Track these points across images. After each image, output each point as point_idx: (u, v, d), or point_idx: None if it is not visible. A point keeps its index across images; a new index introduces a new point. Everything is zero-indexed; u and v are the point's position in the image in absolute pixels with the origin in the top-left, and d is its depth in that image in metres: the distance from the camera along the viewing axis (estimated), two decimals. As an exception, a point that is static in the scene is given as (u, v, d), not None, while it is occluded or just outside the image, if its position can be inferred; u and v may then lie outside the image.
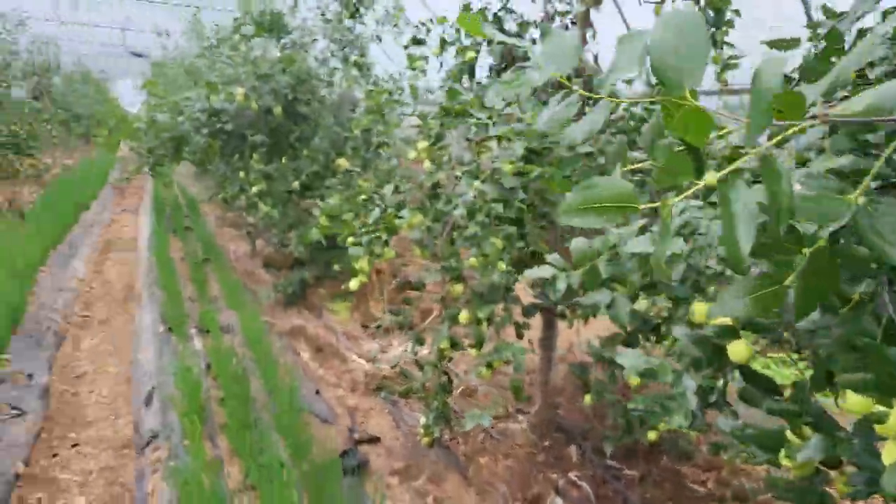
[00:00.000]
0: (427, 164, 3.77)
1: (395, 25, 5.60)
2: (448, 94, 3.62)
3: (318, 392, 4.05)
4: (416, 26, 3.63)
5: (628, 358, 1.17)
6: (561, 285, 1.22)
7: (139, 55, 27.40)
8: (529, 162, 2.16)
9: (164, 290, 5.59)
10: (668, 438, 3.19)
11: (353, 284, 2.95)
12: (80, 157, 17.75)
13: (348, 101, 6.04)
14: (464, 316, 2.80)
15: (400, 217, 2.96)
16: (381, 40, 6.06)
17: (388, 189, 3.06)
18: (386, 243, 2.95)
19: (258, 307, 5.46)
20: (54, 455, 3.40)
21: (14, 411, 3.50)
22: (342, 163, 5.61)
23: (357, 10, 5.40)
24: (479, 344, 2.75)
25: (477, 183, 2.64)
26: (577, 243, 1.24)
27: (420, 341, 3.25)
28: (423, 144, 3.79)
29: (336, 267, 6.02)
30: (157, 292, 5.85)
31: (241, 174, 5.90)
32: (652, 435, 2.85)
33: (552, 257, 1.27)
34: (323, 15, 5.57)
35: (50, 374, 4.27)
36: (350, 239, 5.63)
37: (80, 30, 23.13)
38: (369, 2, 5.35)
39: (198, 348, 4.44)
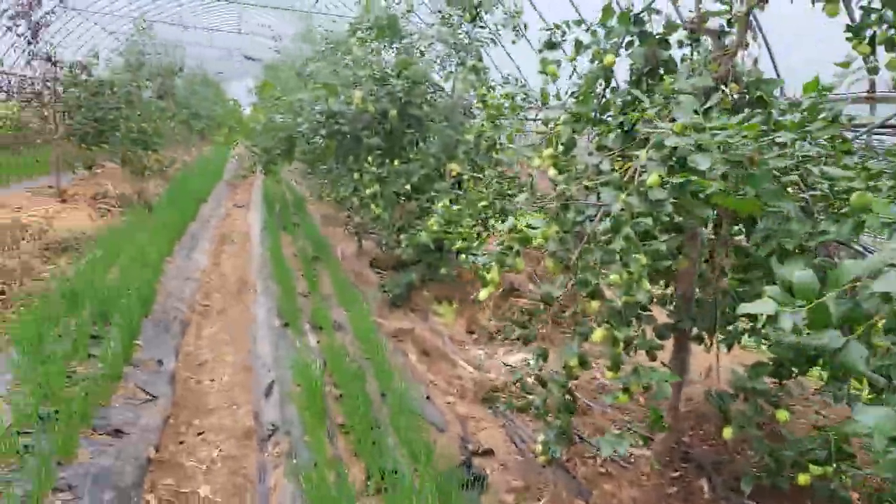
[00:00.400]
0: (552, 172, 3.64)
1: (514, 28, 5.50)
2: (581, 100, 3.49)
3: (428, 397, 4.00)
4: (550, 29, 3.51)
5: (874, 417, 0.99)
6: (786, 324, 1.06)
7: (252, 59, 28.91)
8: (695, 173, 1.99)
9: (279, 286, 5.76)
10: (818, 480, 2.90)
11: (483, 294, 2.87)
12: (198, 154, 18.87)
13: (461, 106, 6.01)
14: (598, 334, 2.65)
15: (533, 227, 2.85)
16: (496, 44, 5.99)
17: (522, 197, 2.95)
18: (517, 254, 2.85)
19: (367, 306, 5.51)
20: (181, 441, 3.53)
21: (147, 396, 3.67)
22: (454, 167, 5.58)
23: (478, 14, 5.35)
24: (615, 366, 2.59)
25: (624, 195, 2.50)
26: (801, 276, 1.08)
27: (544, 356, 3.13)
28: (548, 151, 3.66)
29: (443, 270, 6.00)
30: (270, 286, 6.05)
31: (356, 175, 6.00)
32: (803, 478, 2.60)
33: (772, 289, 1.11)
34: (443, 19, 5.56)
35: (176, 360, 4.48)
36: (459, 244, 5.58)
37: (200, 35, 24.65)
38: (489, 5, 5.29)
39: (312, 345, 4.52)
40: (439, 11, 5.54)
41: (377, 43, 6.48)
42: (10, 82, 9.31)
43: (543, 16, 9.68)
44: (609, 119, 3.52)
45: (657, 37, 3.17)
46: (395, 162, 5.93)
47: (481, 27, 5.55)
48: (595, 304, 2.75)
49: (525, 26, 5.52)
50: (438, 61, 6.09)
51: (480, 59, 5.49)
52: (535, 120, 4.65)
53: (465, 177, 5.64)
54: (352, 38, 7.27)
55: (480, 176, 4.54)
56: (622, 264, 2.51)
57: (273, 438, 3.42)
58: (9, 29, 8.52)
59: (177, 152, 15.87)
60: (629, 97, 3.29)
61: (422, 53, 6.10)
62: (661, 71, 3.20)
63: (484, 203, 3.80)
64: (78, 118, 9.52)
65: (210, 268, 7.33)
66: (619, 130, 3.21)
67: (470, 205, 3.88)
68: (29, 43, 8.56)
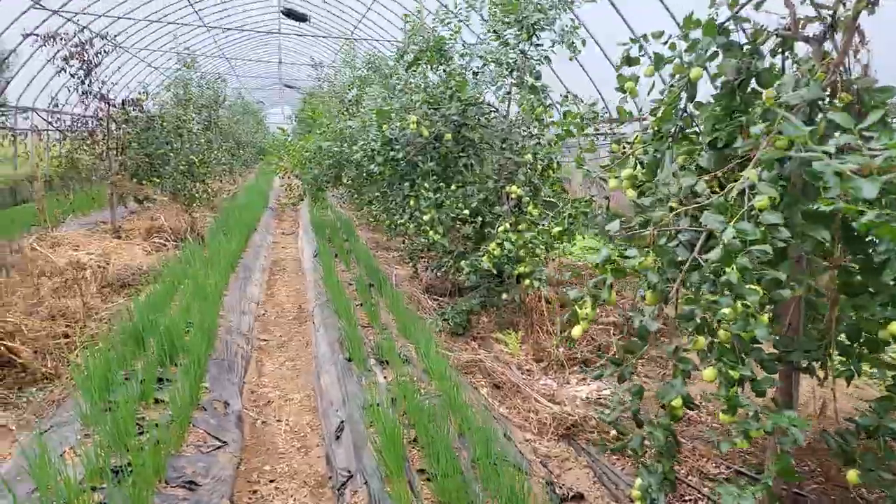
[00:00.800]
0: (631, 194, 3.44)
1: (570, 45, 5.32)
2: (662, 116, 3.28)
3: (506, 435, 3.79)
4: (627, 44, 3.31)
5: None
6: None
7: (291, 87, 29.48)
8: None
9: (338, 317, 5.64)
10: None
11: (577, 331, 2.66)
12: (243, 183, 19.14)
13: (518, 126, 5.83)
14: (709, 374, 2.42)
15: (628, 257, 2.64)
16: (549, 61, 5.80)
17: (614, 224, 2.75)
18: (610, 287, 2.63)
19: (429, 336, 5.33)
20: (254, 491, 3.39)
21: (217, 442, 3.55)
22: (514, 190, 5.40)
23: (534, 31, 5.18)
24: (731, 409, 2.35)
25: (733, 221, 2.27)
26: None
27: (639, 394, 2.89)
28: (626, 172, 3.48)
29: (504, 296, 5.80)
30: (328, 316, 5.93)
31: (412, 201, 5.86)
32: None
33: None
34: (499, 38, 5.41)
35: (241, 400, 4.37)
36: (521, 268, 5.36)
37: (241, 65, 25.21)
38: (548, 23, 5.12)
39: (380, 381, 4.35)
40: (494, 31, 5.39)
41: (424, 65, 6.37)
42: (63, 122, 9.52)
43: (594, 36, 9.51)
44: (692, 136, 3.31)
45: (746, 46, 2.94)
46: (452, 186, 5.78)
47: (537, 45, 5.38)
48: (702, 341, 2.52)
49: (584, 42, 5.34)
50: (491, 81, 5.93)
51: (539, 78, 5.31)
52: (602, 135, 4.45)
53: (525, 199, 5.45)
54: (398, 63, 7.20)
55: (554, 201, 4.33)
56: (735, 296, 2.28)
57: (349, 487, 3.25)
58: (62, 69, 8.72)
59: (222, 182, 16.09)
60: (717, 111, 3.07)
61: (475, 74, 5.95)
62: (754, 83, 2.98)
63: (559, 229, 3.61)
64: (130, 153, 9.68)
65: (265, 299, 7.28)
66: (709, 149, 2.99)
67: (542, 231, 3.69)
68: (82, 82, 8.75)
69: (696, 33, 3.15)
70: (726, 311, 2.32)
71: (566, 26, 5.33)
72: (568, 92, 5.37)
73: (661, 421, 2.68)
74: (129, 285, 6.54)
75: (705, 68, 3.02)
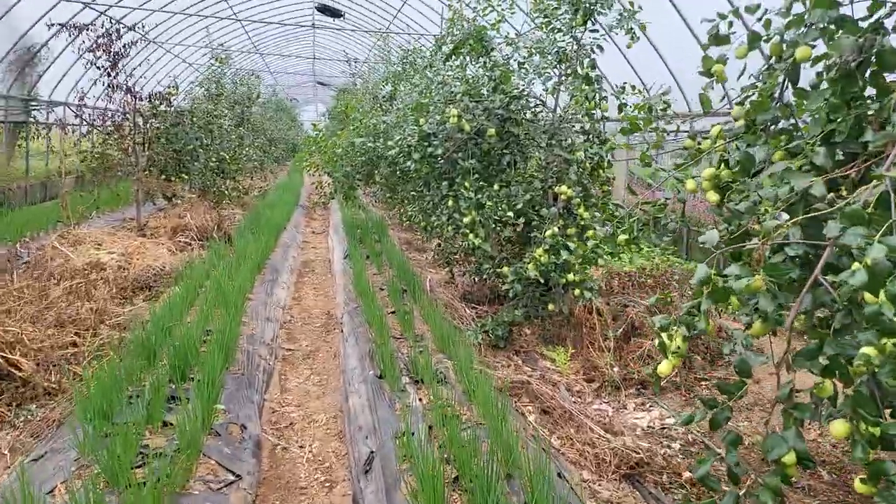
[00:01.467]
0: (714, 197, 2.94)
1: (629, 30, 4.77)
2: (758, 105, 2.76)
3: (560, 475, 3.28)
4: (713, 20, 2.79)
5: None
6: None
7: (324, 84, 29.28)
8: None
9: (369, 326, 5.20)
10: None
11: (664, 368, 2.15)
12: (274, 180, 18.92)
13: (568, 122, 5.30)
14: (840, 429, 1.89)
15: (724, 276, 2.11)
16: (602, 50, 5.25)
17: (710, 235, 2.22)
18: (707, 314, 2.11)
19: (468, 351, 4.84)
20: (270, 533, 2.95)
21: (230, 476, 3.12)
22: (564, 191, 4.89)
23: (590, 15, 4.64)
24: (874, 477, 1.81)
25: (889, 237, 1.74)
26: None
27: (734, 443, 2.37)
28: (708, 171, 2.97)
29: (551, 307, 5.28)
30: (358, 325, 5.49)
31: (450, 202, 5.37)
32: None
33: None
34: (549, 23, 4.88)
35: (261, 421, 3.95)
36: (571, 276, 4.84)
37: (275, 61, 25.07)
38: (607, 5, 4.57)
39: (415, 404, 3.88)
40: (545, 15, 4.86)
41: (464, 58, 5.88)
42: (90, 115, 9.29)
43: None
44: (789, 128, 2.78)
45: (867, 21, 2.39)
46: (495, 186, 5.28)
47: (593, 30, 4.84)
48: (829, 386, 1.99)
49: (643, 27, 4.79)
50: (537, 72, 5.40)
51: (594, 67, 4.78)
52: (668, 133, 3.93)
53: (575, 201, 4.93)
54: (437, 55, 6.73)
55: (620, 204, 3.81)
56: (884, 332, 1.75)
57: (379, 535, 2.79)
58: (90, 62, 8.46)
59: (254, 179, 15.86)
60: (833, 98, 2.52)
61: (520, 65, 5.43)
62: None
63: (625, 237, 3.09)
64: (157, 149, 9.40)
65: (292, 303, 6.89)
66: (823, 143, 2.45)
67: (605, 240, 3.19)
68: (108, 75, 8.47)
69: (798, 7, 2.64)
70: (868, 350, 1.79)
71: (624, 9, 4.78)
72: (625, 83, 4.83)
73: (768, 481, 2.14)
74: (149, 287, 6.20)
75: (812, 47, 2.48)
